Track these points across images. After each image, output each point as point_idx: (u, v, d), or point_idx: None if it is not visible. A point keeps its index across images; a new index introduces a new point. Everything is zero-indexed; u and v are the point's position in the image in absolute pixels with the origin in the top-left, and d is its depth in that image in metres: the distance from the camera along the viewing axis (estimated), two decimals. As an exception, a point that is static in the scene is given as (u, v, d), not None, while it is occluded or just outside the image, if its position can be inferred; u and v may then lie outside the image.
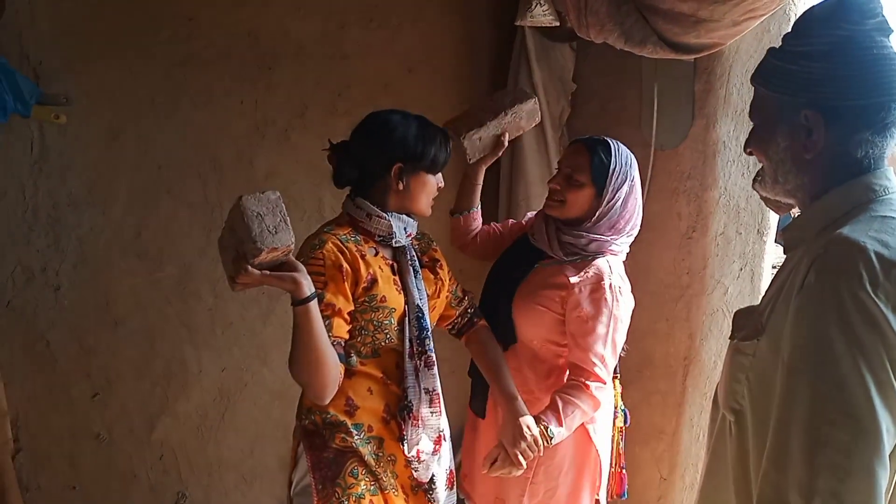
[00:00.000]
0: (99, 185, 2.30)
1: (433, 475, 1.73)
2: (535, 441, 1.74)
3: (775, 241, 2.46)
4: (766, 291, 1.20)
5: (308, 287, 1.41)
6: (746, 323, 1.19)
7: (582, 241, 1.89)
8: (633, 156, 1.95)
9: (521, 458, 1.73)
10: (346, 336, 1.59)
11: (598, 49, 2.40)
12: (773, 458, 1.03)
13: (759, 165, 1.22)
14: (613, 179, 1.87)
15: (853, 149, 1.08)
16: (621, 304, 1.89)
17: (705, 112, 2.37)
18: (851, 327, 0.96)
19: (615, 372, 2.04)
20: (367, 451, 1.63)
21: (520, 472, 1.77)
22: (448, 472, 1.80)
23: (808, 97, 1.08)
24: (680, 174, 2.45)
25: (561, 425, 1.78)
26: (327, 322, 1.52)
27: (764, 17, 1.96)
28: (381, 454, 1.66)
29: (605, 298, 1.85)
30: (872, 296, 0.96)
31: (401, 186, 1.67)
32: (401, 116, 1.69)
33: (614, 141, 1.93)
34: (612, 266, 1.90)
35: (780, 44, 1.15)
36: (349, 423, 1.63)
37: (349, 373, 1.63)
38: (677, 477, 2.57)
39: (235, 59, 2.42)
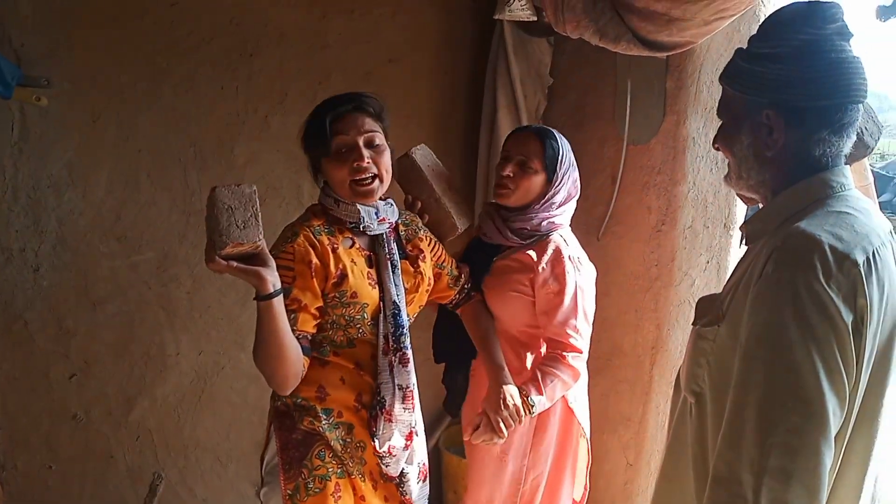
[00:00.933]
0: (79, 167, 2.31)
1: (403, 470, 1.73)
2: (517, 410, 1.82)
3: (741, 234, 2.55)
4: (728, 280, 1.26)
5: (272, 283, 1.40)
6: (708, 310, 1.25)
7: (534, 222, 1.98)
8: (566, 138, 2.05)
9: (502, 425, 1.81)
10: (313, 330, 1.59)
11: (575, 44, 2.46)
12: (727, 437, 1.08)
13: (727, 161, 1.28)
14: (562, 165, 1.98)
15: (812, 147, 1.15)
16: (583, 273, 1.99)
17: (676, 108, 2.44)
18: (805, 316, 1.01)
19: None
20: (333, 436, 1.64)
21: (502, 441, 1.84)
22: (421, 465, 1.81)
23: (770, 97, 1.14)
24: (650, 169, 2.52)
25: (541, 394, 1.86)
26: (293, 316, 1.51)
27: (734, 18, 2.02)
28: (349, 440, 1.67)
29: (567, 271, 1.94)
30: (826, 287, 1.01)
31: (322, 180, 1.70)
32: (312, 111, 1.67)
33: (551, 127, 2.05)
34: (566, 239, 2.01)
35: (747, 45, 1.21)
36: (318, 407, 1.64)
37: (322, 362, 1.65)
38: (643, 463, 2.64)
39: (217, 46, 2.43)
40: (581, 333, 1.95)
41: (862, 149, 1.59)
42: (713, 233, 2.49)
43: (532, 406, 1.86)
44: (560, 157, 1.97)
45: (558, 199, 2.00)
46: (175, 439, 2.63)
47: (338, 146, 1.61)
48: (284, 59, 2.56)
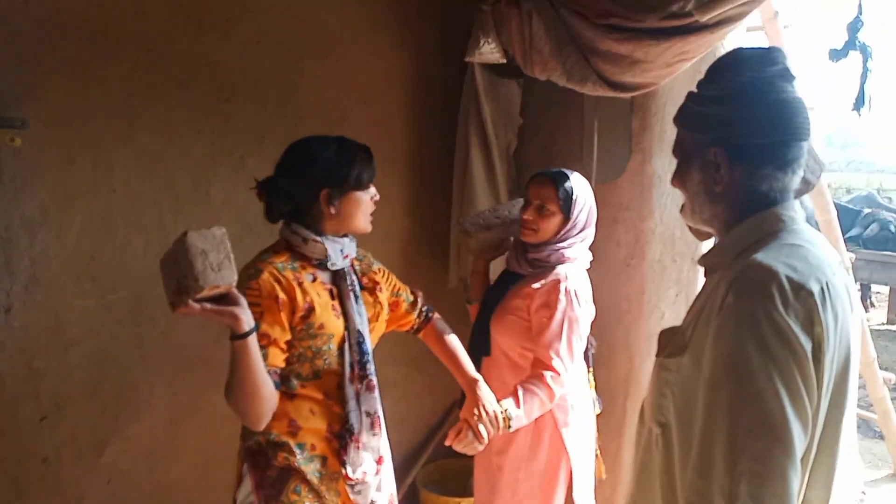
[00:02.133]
0: (53, 208, 2.30)
1: (373, 501, 1.76)
2: (496, 417, 1.93)
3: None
4: (689, 311, 1.30)
5: (247, 322, 1.42)
6: (671, 341, 1.28)
7: (545, 254, 2.16)
8: (585, 180, 2.22)
9: (483, 432, 1.91)
10: (283, 364, 1.62)
11: (544, 86, 2.54)
12: (697, 466, 1.11)
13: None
14: (577, 205, 2.15)
15: (758, 183, 1.21)
16: (576, 305, 2.11)
17: (642, 147, 2.52)
18: (766, 344, 1.05)
19: (588, 363, 2.33)
20: (310, 469, 1.65)
21: (481, 447, 1.94)
22: (390, 495, 1.84)
23: (715, 136, 1.21)
24: (619, 205, 2.59)
25: (519, 408, 1.98)
26: (263, 352, 1.53)
27: (694, 60, 2.11)
28: (324, 472, 1.69)
29: (560, 299, 2.08)
30: (784, 315, 1.05)
31: (333, 210, 1.68)
32: (319, 142, 1.71)
33: (571, 171, 2.20)
34: (568, 273, 2.15)
35: (696, 88, 1.28)
36: (292, 442, 1.65)
37: (290, 395, 1.66)
38: (619, 496, 2.66)
39: (194, 89, 2.47)
40: (562, 358, 2.07)
41: (803, 186, 1.66)
42: (681, 266, 2.55)
43: (510, 419, 1.97)
44: (575, 199, 2.15)
45: (573, 231, 2.18)
46: (147, 482, 2.58)
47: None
48: (261, 102, 2.60)
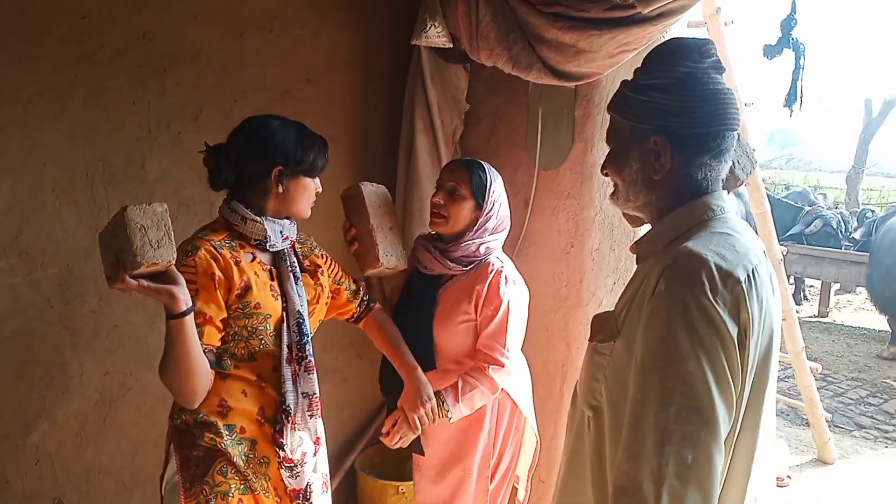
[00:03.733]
0: (-22, 180, 2.22)
1: (309, 482, 1.76)
2: (433, 409, 1.95)
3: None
4: (621, 297, 1.33)
5: (185, 301, 1.43)
6: (604, 326, 1.30)
7: (472, 248, 2.11)
8: (498, 172, 2.19)
9: (418, 423, 1.94)
10: (218, 343, 1.61)
11: (490, 72, 2.54)
12: (627, 448, 1.13)
13: (614, 183, 1.35)
14: (490, 193, 2.10)
15: (694, 172, 1.23)
16: (515, 292, 2.12)
17: (584, 136, 2.55)
18: (695, 330, 1.08)
19: None
20: (236, 451, 1.64)
21: (414, 436, 1.98)
22: (324, 475, 1.85)
23: (657, 125, 1.22)
24: (560, 193, 2.61)
25: (458, 402, 2.00)
26: (199, 330, 1.52)
27: (637, 51, 2.14)
28: (252, 455, 1.68)
29: (502, 289, 2.08)
30: (713, 301, 1.09)
31: (280, 189, 1.69)
32: (280, 122, 1.72)
33: (485, 162, 2.18)
34: (502, 260, 2.15)
35: (632, 77, 1.30)
36: (221, 423, 1.64)
37: (223, 375, 1.65)
38: (554, 480, 2.70)
39: (130, 60, 2.39)
40: (507, 348, 2.08)
41: (733, 181, 1.70)
42: (619, 255, 2.60)
43: (448, 411, 2.00)
44: (488, 186, 2.10)
45: (490, 225, 2.12)
46: (76, 463, 2.52)
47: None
48: (199, 76, 2.54)
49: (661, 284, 1.14)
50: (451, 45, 2.58)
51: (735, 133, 1.24)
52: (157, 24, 2.43)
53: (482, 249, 2.12)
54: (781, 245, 4.43)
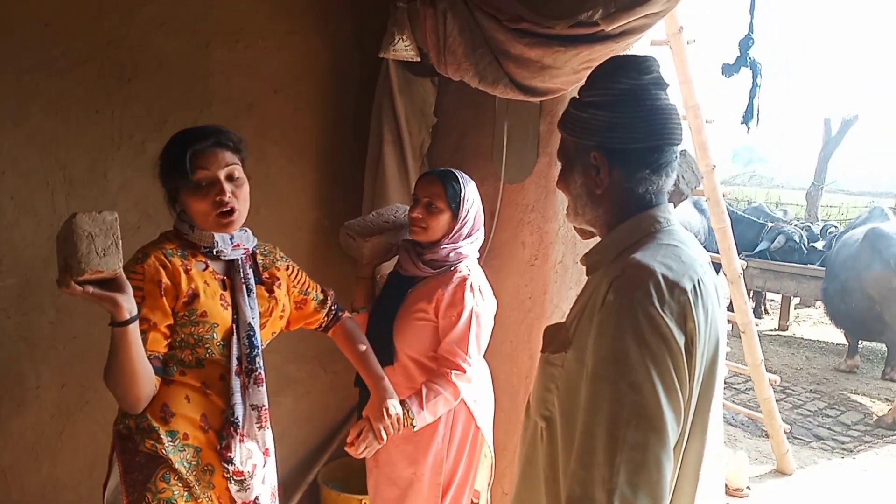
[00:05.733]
0: (-66, 187, 2.18)
1: (257, 496, 1.75)
2: (398, 419, 1.97)
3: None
4: (572, 308, 1.35)
5: (129, 310, 1.42)
6: (556, 337, 1.32)
7: (442, 253, 2.18)
8: (471, 178, 2.27)
9: (383, 433, 1.95)
10: (164, 350, 1.61)
11: (457, 86, 2.56)
12: (579, 457, 1.15)
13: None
14: (465, 202, 2.18)
15: (635, 185, 1.27)
16: (481, 300, 2.17)
17: (549, 150, 2.58)
18: (644, 339, 1.11)
19: None
20: (178, 458, 1.63)
21: (380, 446, 1.99)
22: (272, 487, 1.84)
23: (596, 140, 1.26)
24: (525, 206, 2.65)
25: (423, 409, 2.04)
26: (143, 336, 1.52)
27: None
28: (196, 462, 1.66)
29: (466, 296, 2.13)
30: (660, 311, 1.11)
31: (179, 208, 1.70)
32: (170, 140, 1.68)
33: (457, 170, 2.23)
34: (470, 268, 2.20)
35: (577, 94, 1.33)
36: (163, 429, 1.63)
37: (168, 381, 1.65)
38: (517, 490, 2.71)
39: (93, 68, 2.36)
40: (469, 354, 2.12)
41: (677, 195, 1.75)
42: (581, 268, 2.61)
43: (412, 419, 2.02)
44: (462, 196, 2.18)
45: (465, 230, 2.20)
46: (32, 478, 2.46)
47: (199, 180, 1.63)
48: (164, 85, 2.52)
49: (610, 295, 1.16)
50: (419, 59, 2.60)
51: (676, 148, 1.28)
52: (121, 33, 2.41)
53: (452, 256, 2.19)
54: (742, 259, 4.52)
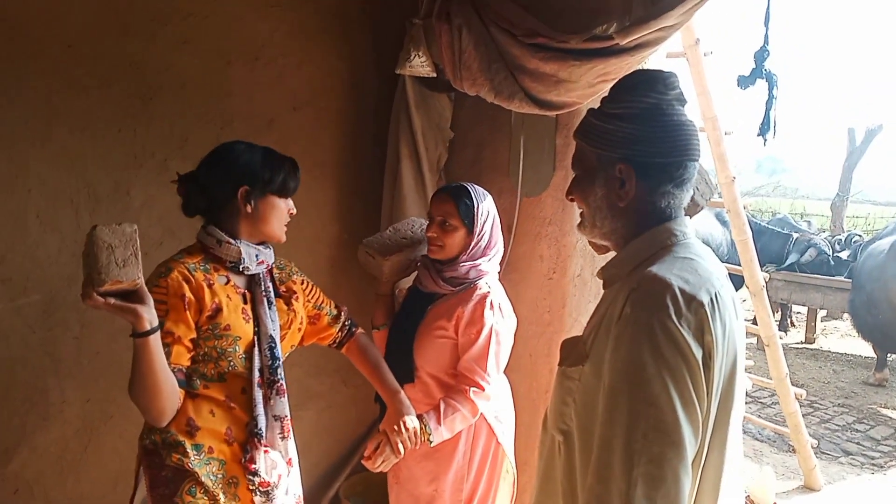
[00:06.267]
0: (-38, 206, 2.23)
1: None
2: (415, 433, 1.97)
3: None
4: (589, 322, 1.35)
5: (149, 321, 1.44)
6: (572, 351, 1.32)
7: (462, 270, 2.17)
8: (486, 191, 2.25)
9: (400, 446, 1.95)
10: (188, 363, 1.63)
11: (473, 101, 2.58)
12: (596, 471, 1.15)
13: (580, 211, 1.38)
14: (479, 217, 2.17)
15: (658, 199, 1.27)
16: (500, 318, 2.15)
17: (565, 164, 2.58)
18: (661, 352, 1.10)
19: None
20: (204, 472, 1.65)
21: (397, 460, 1.99)
22: (296, 497, 1.86)
23: (622, 153, 1.26)
24: (542, 220, 2.64)
25: (440, 425, 2.03)
26: (167, 349, 1.55)
27: (616, 81, 2.18)
28: (221, 475, 1.68)
29: (486, 313, 2.12)
30: (677, 324, 1.11)
31: (249, 209, 1.72)
32: (246, 145, 1.76)
33: (470, 184, 2.22)
34: (490, 286, 2.19)
35: (599, 106, 1.33)
36: (188, 443, 1.65)
37: (192, 395, 1.67)
38: (538, 505, 2.69)
39: (116, 88, 2.42)
40: (487, 372, 2.11)
41: (693, 207, 1.74)
42: (600, 281, 2.62)
43: (430, 434, 2.02)
44: (476, 212, 2.17)
45: (482, 244, 2.20)
46: (57, 492, 2.50)
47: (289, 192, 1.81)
48: (186, 104, 2.56)
49: (627, 308, 1.16)
50: (435, 75, 2.62)
51: (696, 163, 1.28)
52: (144, 53, 2.46)
53: (472, 273, 2.19)
54: (764, 271, 4.48)
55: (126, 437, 2.59)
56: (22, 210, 2.32)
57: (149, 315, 1.44)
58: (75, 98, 2.35)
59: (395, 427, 1.96)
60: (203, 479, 1.64)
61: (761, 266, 4.18)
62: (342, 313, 2.06)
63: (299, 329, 1.91)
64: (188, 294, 1.61)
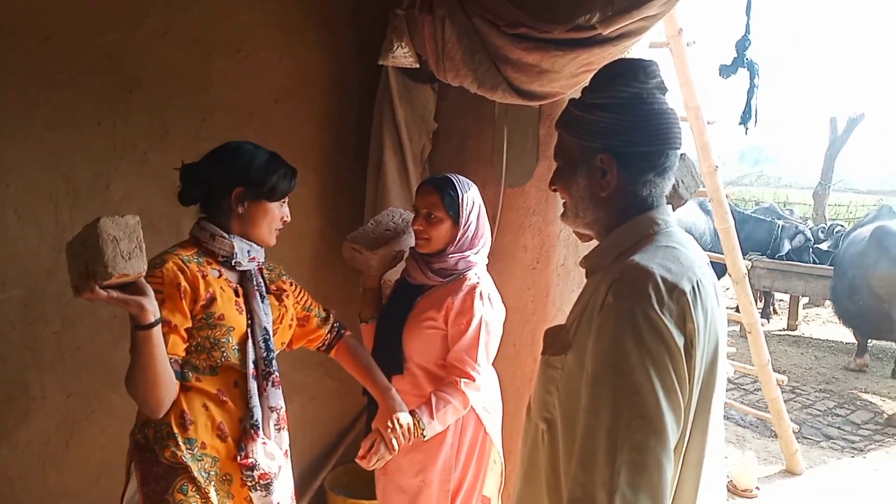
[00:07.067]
0: (-61, 201, 2.20)
1: (279, 502, 1.76)
2: (409, 429, 1.97)
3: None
4: (572, 311, 1.35)
5: (153, 313, 1.44)
6: (555, 340, 1.33)
7: (451, 262, 2.17)
8: (471, 182, 2.24)
9: (394, 443, 1.96)
10: (183, 354, 1.63)
11: (457, 91, 2.57)
12: (580, 459, 1.15)
13: (563, 201, 1.38)
14: (465, 208, 2.16)
15: (640, 188, 1.27)
16: (490, 308, 2.16)
17: (548, 154, 2.58)
18: (643, 341, 1.11)
19: None
20: (196, 467, 1.64)
21: (391, 457, 1.99)
22: (291, 490, 1.86)
23: (604, 143, 1.26)
24: (526, 210, 2.65)
25: (433, 418, 2.03)
26: (164, 339, 1.54)
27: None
28: (213, 472, 1.67)
29: (475, 304, 2.12)
30: (659, 313, 1.12)
31: (241, 210, 1.72)
32: (253, 146, 1.76)
33: (454, 175, 2.21)
34: (479, 276, 2.19)
35: (580, 96, 1.33)
36: (181, 437, 1.64)
37: (185, 388, 1.66)
38: (523, 494, 2.71)
39: (95, 80, 2.38)
40: (478, 362, 2.12)
41: (676, 199, 1.75)
42: (583, 271, 2.63)
43: (423, 429, 2.02)
44: (461, 202, 2.16)
45: (469, 234, 2.19)
46: (39, 487, 2.48)
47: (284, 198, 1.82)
48: (166, 96, 2.53)
49: (610, 297, 1.16)
50: (418, 66, 2.61)
51: (677, 151, 1.28)
52: (123, 45, 2.43)
53: (461, 265, 2.18)
54: (746, 259, 4.51)
55: (108, 432, 2.57)
56: (0, 204, 2.29)
57: (152, 307, 1.44)
58: (53, 91, 2.32)
59: (389, 424, 1.96)
60: (196, 474, 1.63)
61: (745, 254, 4.21)
62: (331, 315, 2.07)
63: (290, 325, 1.91)
64: (184, 283, 1.62)
